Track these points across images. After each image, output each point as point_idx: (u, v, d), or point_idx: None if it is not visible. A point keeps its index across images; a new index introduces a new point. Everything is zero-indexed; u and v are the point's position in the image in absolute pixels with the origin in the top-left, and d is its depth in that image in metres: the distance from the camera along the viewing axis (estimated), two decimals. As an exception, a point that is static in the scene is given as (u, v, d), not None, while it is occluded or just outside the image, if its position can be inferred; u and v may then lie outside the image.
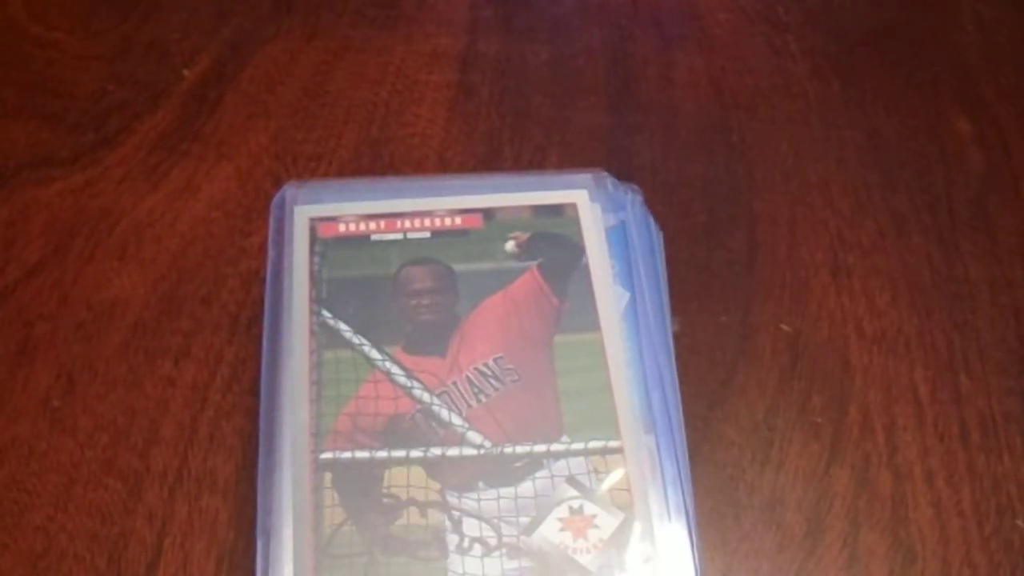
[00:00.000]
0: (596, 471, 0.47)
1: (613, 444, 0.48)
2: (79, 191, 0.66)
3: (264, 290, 0.53)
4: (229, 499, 0.53)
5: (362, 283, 0.53)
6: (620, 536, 0.45)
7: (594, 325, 0.51)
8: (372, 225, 0.55)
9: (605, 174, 0.57)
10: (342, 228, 0.55)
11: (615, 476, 0.47)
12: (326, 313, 0.52)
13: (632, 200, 0.56)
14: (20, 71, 0.74)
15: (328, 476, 0.47)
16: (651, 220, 0.56)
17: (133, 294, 0.61)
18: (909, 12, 0.82)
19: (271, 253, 0.54)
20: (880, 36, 0.79)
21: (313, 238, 0.54)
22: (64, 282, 0.61)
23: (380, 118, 0.71)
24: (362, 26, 0.79)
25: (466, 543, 0.45)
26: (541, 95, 0.74)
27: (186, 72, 0.74)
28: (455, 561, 0.45)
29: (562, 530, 0.46)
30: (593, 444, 0.48)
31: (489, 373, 0.50)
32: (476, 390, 0.50)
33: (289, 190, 0.56)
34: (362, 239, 0.55)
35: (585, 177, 0.57)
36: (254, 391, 0.56)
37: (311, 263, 0.53)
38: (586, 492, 0.47)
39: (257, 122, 0.71)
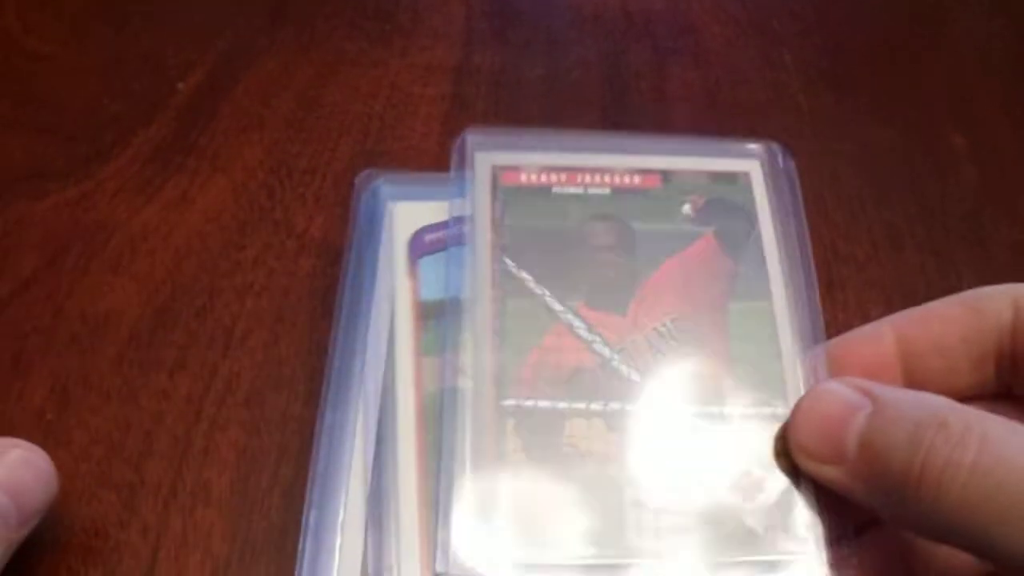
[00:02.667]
0: (765, 434, 0.47)
1: (781, 411, 0.48)
2: (73, 204, 0.66)
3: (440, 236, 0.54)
4: (223, 512, 0.53)
5: (543, 234, 0.53)
6: (785, 501, 0.46)
7: (765, 294, 0.52)
8: (554, 177, 0.55)
9: (777, 146, 0.57)
10: (523, 178, 0.55)
11: (782, 441, 0.47)
12: (509, 261, 0.52)
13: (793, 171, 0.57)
14: (14, 84, 0.74)
15: (511, 423, 0.48)
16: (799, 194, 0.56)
17: (127, 307, 0.61)
18: (903, 26, 0.82)
19: (453, 195, 0.55)
20: (874, 49, 0.80)
21: (495, 186, 0.55)
22: (58, 295, 0.61)
23: (375, 131, 0.71)
24: (357, 39, 0.79)
25: (643, 496, 0.46)
26: (536, 108, 0.74)
27: (180, 85, 0.74)
28: (631, 512, 0.45)
29: (731, 491, 0.46)
30: (763, 409, 0.48)
31: (666, 333, 0.50)
32: (654, 348, 0.50)
33: (470, 136, 0.56)
34: (543, 190, 0.55)
35: (758, 148, 0.57)
36: (248, 403, 0.56)
37: (492, 210, 0.54)
38: (756, 456, 0.47)
39: (252, 135, 0.71)
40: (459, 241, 0.53)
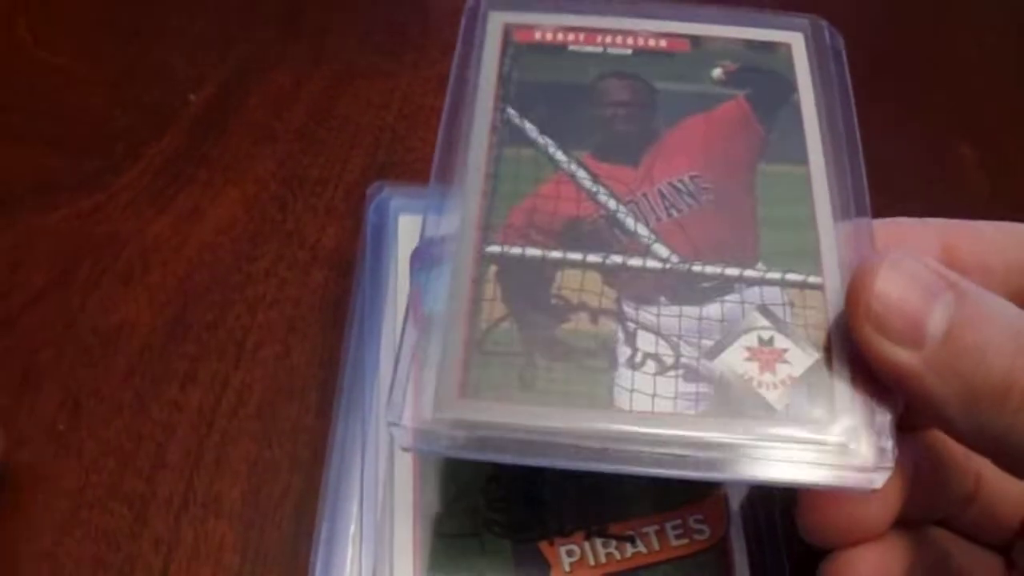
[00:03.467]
0: (792, 304, 0.43)
1: (813, 280, 0.43)
2: (85, 216, 0.66)
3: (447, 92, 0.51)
4: (235, 524, 0.53)
5: (554, 88, 0.50)
6: (812, 377, 0.40)
7: (800, 159, 0.47)
8: (571, 36, 0.52)
9: (824, 23, 0.54)
10: (538, 36, 0.52)
11: (813, 313, 0.42)
12: (511, 111, 0.49)
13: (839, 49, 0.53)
14: (25, 96, 0.74)
15: (493, 269, 0.43)
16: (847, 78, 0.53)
17: (139, 319, 0.61)
18: (911, 37, 0.82)
19: (458, 53, 0.51)
20: (881, 60, 0.80)
21: (506, 42, 0.52)
22: (70, 308, 0.61)
23: (386, 143, 0.72)
24: (368, 52, 0.79)
25: (639, 358, 0.41)
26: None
27: (192, 97, 0.74)
28: (624, 375, 0.41)
29: (748, 360, 0.41)
30: (791, 276, 0.43)
31: (683, 189, 0.46)
32: (668, 204, 0.46)
33: None
34: (559, 48, 0.52)
35: (803, 21, 0.53)
36: (259, 415, 0.56)
37: (501, 64, 0.51)
38: (779, 324, 0.42)
39: (263, 147, 0.71)
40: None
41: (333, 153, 0.71)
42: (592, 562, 0.47)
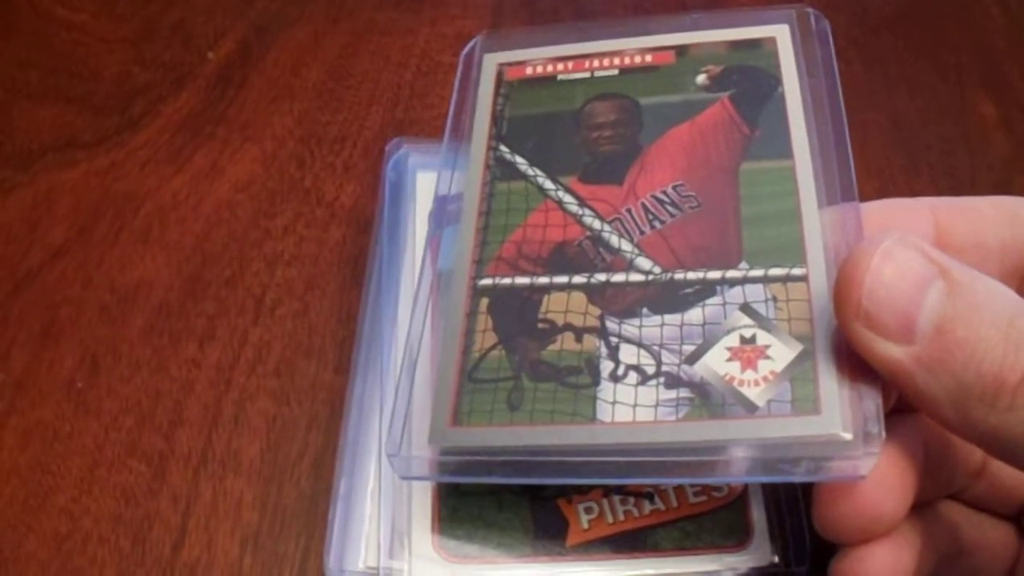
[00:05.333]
0: (775, 299, 0.43)
1: (797, 272, 0.43)
2: (104, 174, 0.66)
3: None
4: (253, 481, 0.53)
5: (544, 119, 0.51)
6: (795, 370, 0.40)
7: (786, 153, 0.47)
8: (560, 66, 0.54)
9: (809, 10, 0.53)
10: (529, 71, 0.54)
11: (797, 305, 0.42)
12: (503, 148, 0.50)
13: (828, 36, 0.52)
14: (45, 54, 0.74)
15: (485, 301, 0.45)
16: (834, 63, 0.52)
17: (157, 276, 0.61)
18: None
19: (454, 97, 0.53)
20: (904, 19, 0.79)
21: (499, 82, 0.53)
22: (88, 265, 0.61)
23: (404, 100, 0.71)
24: (387, 8, 0.78)
25: (621, 370, 0.42)
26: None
27: (211, 55, 0.74)
28: (606, 388, 0.42)
29: (729, 360, 0.41)
30: (774, 271, 0.43)
31: (667, 200, 0.47)
32: (651, 216, 0.47)
33: (479, 39, 0.56)
34: (548, 79, 0.53)
35: (787, 12, 0.53)
36: (278, 372, 0.56)
37: (494, 103, 0.52)
38: (761, 321, 0.42)
39: (282, 104, 0.71)
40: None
41: (352, 110, 0.71)
42: (610, 519, 0.47)
